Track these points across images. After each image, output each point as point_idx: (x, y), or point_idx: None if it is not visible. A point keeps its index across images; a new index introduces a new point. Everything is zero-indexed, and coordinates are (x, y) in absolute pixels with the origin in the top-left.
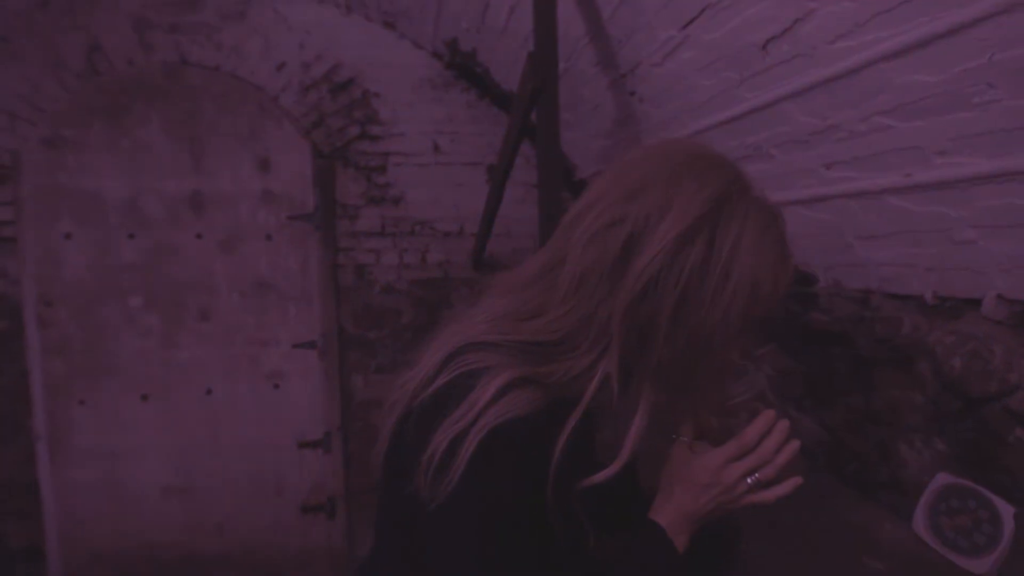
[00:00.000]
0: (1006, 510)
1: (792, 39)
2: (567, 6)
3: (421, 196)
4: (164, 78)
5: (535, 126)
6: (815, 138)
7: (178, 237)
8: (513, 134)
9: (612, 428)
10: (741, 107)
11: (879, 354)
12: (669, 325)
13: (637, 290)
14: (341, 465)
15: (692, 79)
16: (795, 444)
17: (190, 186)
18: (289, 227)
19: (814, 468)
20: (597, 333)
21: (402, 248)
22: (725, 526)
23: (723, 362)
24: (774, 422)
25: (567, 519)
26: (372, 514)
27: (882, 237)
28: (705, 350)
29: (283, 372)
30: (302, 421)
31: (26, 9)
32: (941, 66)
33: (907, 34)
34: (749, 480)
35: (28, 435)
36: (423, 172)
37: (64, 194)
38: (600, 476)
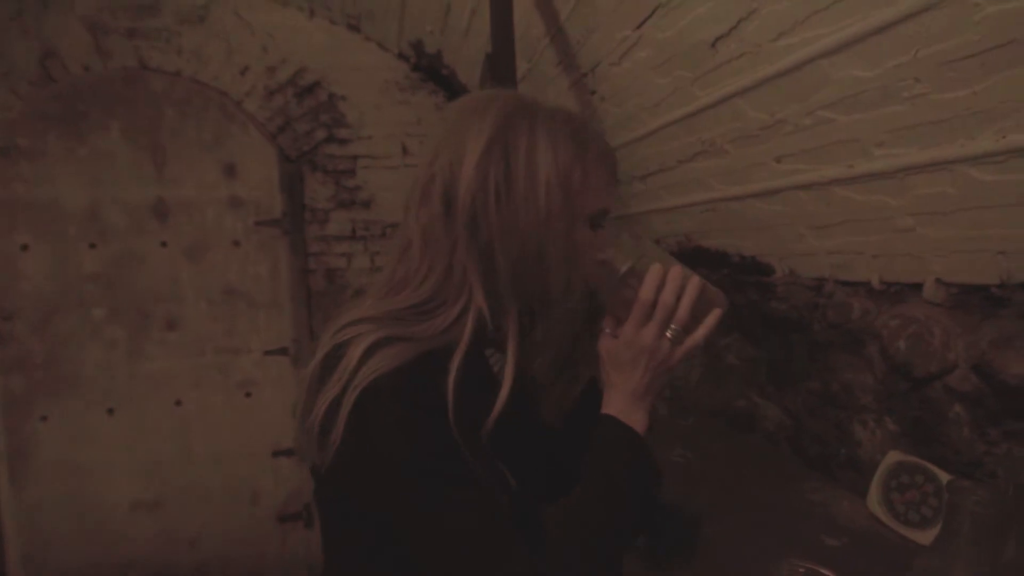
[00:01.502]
0: (945, 480)
1: (738, 38)
2: (525, 7)
3: (391, 199)
4: (123, 84)
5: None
6: (765, 132)
7: (142, 246)
8: None
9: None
10: (695, 104)
11: (833, 339)
12: (502, 242)
13: (466, 228)
14: None
15: (648, 78)
16: (694, 281)
17: (154, 193)
18: (257, 233)
19: (779, 453)
20: (457, 282)
21: (373, 251)
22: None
23: (571, 259)
24: (664, 272)
25: (488, 465)
26: None
27: (832, 226)
28: (543, 251)
29: (255, 380)
30: (276, 429)
31: None
32: (874, 61)
33: (842, 31)
34: (668, 335)
35: None
36: (393, 175)
37: (20, 205)
38: (495, 411)
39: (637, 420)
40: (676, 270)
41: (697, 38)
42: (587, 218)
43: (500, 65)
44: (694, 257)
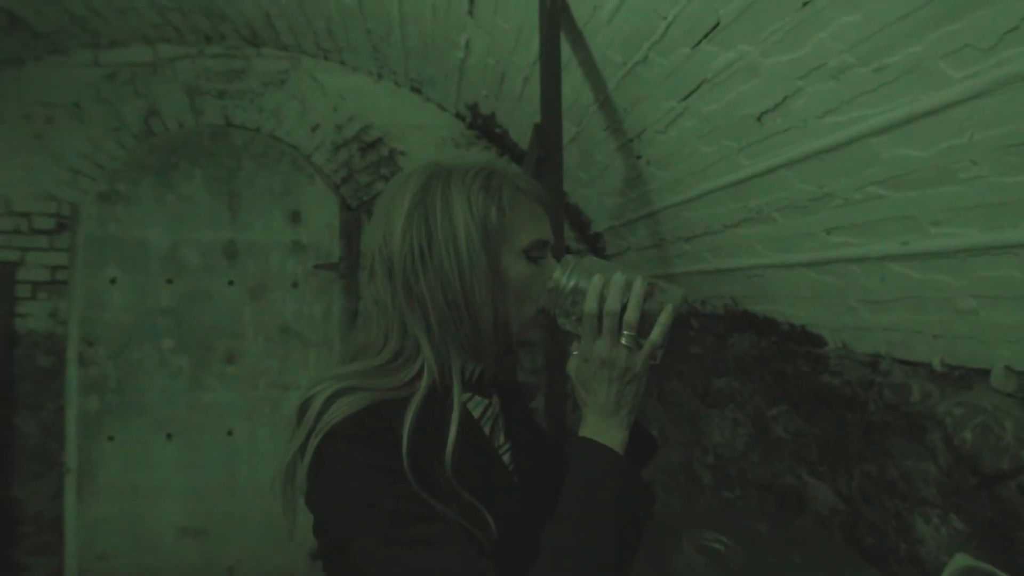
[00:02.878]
0: None
1: (784, 113)
2: (575, 77)
3: None
4: (210, 139)
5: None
6: (814, 204)
7: (211, 283)
8: None
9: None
10: (741, 173)
11: (890, 420)
12: (432, 296)
13: (404, 290)
14: None
15: (694, 145)
16: (638, 282)
17: (226, 236)
18: (315, 276)
19: (832, 540)
20: (411, 342)
21: None
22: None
23: (498, 296)
24: (601, 282)
25: (453, 504)
26: None
27: (887, 302)
28: (469, 295)
29: None
30: None
31: (95, 80)
32: (926, 142)
33: (890, 112)
34: (623, 342)
35: (60, 470)
36: None
37: (113, 243)
38: (448, 451)
39: (613, 437)
40: (616, 276)
41: (742, 112)
42: (519, 252)
43: (546, 135)
44: (742, 321)
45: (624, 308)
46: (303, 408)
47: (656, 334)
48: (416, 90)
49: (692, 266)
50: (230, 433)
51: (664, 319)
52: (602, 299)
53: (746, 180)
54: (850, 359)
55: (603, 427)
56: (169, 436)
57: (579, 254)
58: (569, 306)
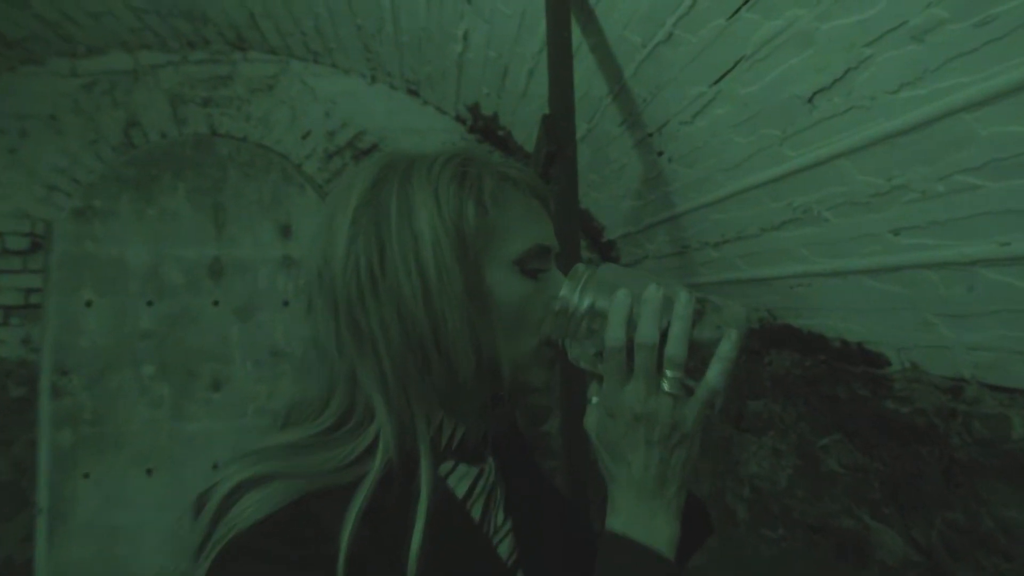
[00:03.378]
0: None
1: (845, 90)
2: (587, 66)
3: None
4: (193, 149)
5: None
6: (878, 200)
7: (196, 304)
8: None
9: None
10: (785, 166)
11: (982, 459)
12: (384, 336)
13: (349, 330)
14: None
15: (726, 136)
16: (683, 299)
17: (211, 253)
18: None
19: None
20: (361, 400)
21: None
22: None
23: (481, 323)
24: (629, 301)
25: None
26: None
27: (976, 316)
28: (438, 328)
29: None
30: None
31: (72, 90)
32: None
33: (996, 79)
34: (666, 387)
35: (31, 511)
36: None
37: (89, 262)
38: (413, 553)
39: (657, 531)
40: (650, 291)
41: (789, 92)
42: (510, 265)
43: (557, 126)
44: (781, 337)
45: (665, 337)
46: (199, 504)
47: (714, 374)
48: (413, 92)
49: (721, 275)
50: (216, 466)
51: (726, 352)
52: (631, 324)
53: (791, 174)
54: (922, 383)
55: (642, 515)
56: (149, 471)
57: (591, 263)
58: (584, 335)
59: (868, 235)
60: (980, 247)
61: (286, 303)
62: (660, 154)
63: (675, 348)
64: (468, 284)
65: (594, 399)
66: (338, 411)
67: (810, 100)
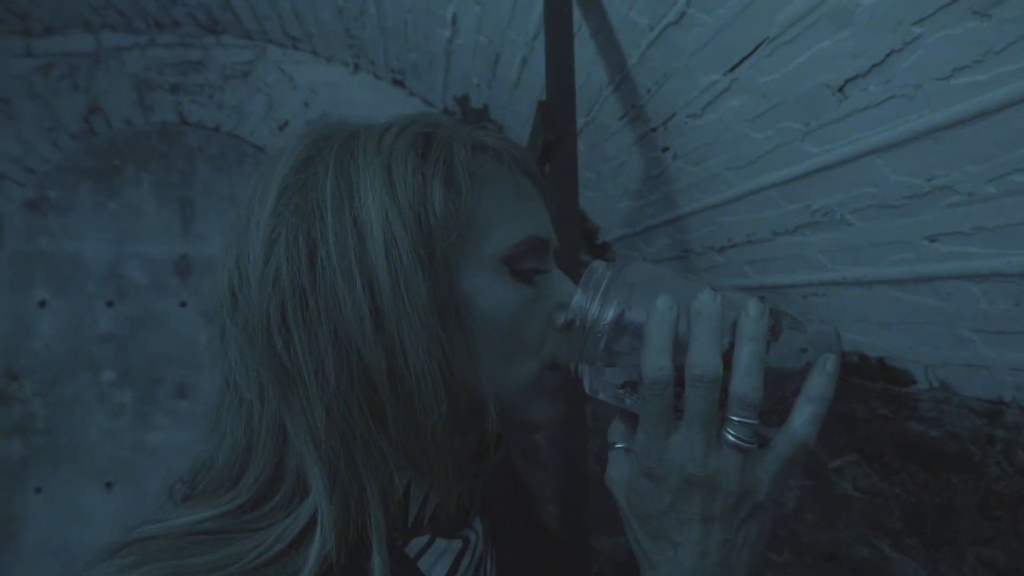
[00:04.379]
0: None
1: (884, 76)
2: (586, 53)
3: None
4: (160, 138)
5: (547, 186)
6: (914, 203)
7: (160, 305)
8: None
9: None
10: (806, 164)
11: None
12: (317, 377)
13: (271, 366)
14: None
15: (740, 130)
16: (753, 312)
17: (177, 250)
18: None
19: None
20: (291, 464)
21: None
22: None
23: (459, 355)
24: (674, 313)
25: None
26: None
27: (1021, 334)
28: (393, 358)
29: None
30: None
31: (27, 72)
32: None
33: None
34: (731, 435)
35: None
36: None
37: (43, 258)
38: None
39: None
40: (704, 300)
41: (817, 80)
42: (496, 264)
43: (556, 114)
44: None
45: (729, 365)
46: None
47: (803, 420)
48: (398, 82)
49: (726, 281)
50: (182, 480)
51: (819, 388)
52: (678, 347)
53: (813, 173)
54: (953, 404)
55: None
56: (108, 485)
57: (610, 262)
58: (606, 359)
59: (899, 241)
60: None
61: None
62: (664, 150)
63: (746, 382)
64: (436, 295)
65: (619, 444)
66: (259, 480)
67: (840, 89)
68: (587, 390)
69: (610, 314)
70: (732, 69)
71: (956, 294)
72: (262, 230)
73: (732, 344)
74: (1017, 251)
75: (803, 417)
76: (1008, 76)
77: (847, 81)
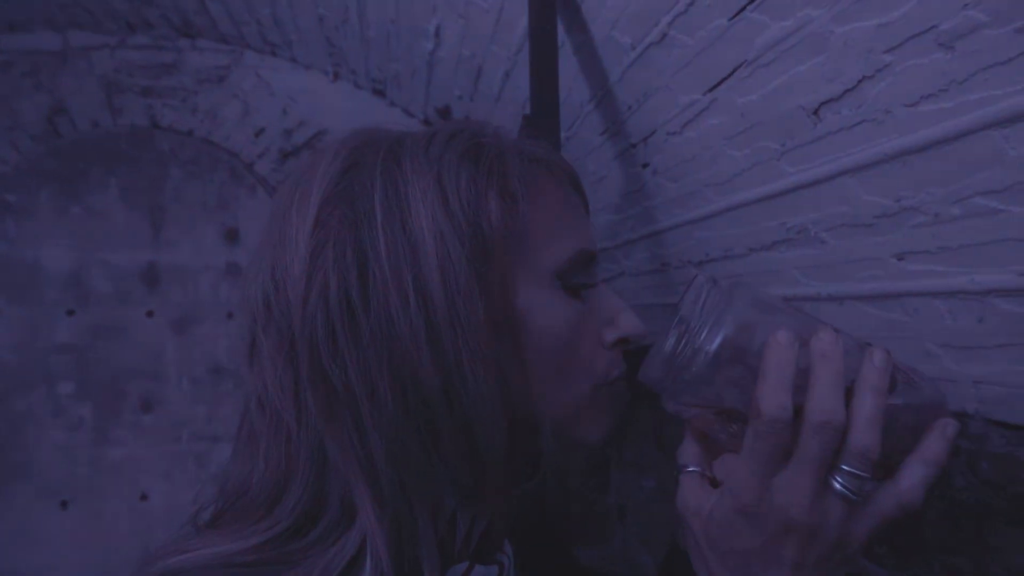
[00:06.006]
0: None
1: (857, 101)
2: (569, 68)
3: None
4: (129, 142)
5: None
6: (884, 222)
7: (125, 315)
8: None
9: None
10: (782, 183)
11: (990, 502)
12: (375, 389)
13: (315, 386)
14: None
15: (719, 149)
16: (876, 362)
17: (145, 258)
18: None
19: None
20: (334, 491)
21: None
22: None
23: (510, 362)
24: (795, 348)
25: None
26: None
27: (985, 349)
28: (450, 376)
29: None
30: None
31: None
32: None
33: None
34: (838, 484)
35: None
36: None
37: None
38: None
39: None
40: (826, 342)
41: (793, 103)
42: (551, 279)
43: (541, 124)
44: None
45: (850, 416)
46: None
47: (913, 481)
48: (379, 92)
49: None
50: (144, 497)
51: (935, 452)
52: (796, 386)
53: (788, 192)
54: None
55: None
56: (64, 504)
57: (711, 277)
58: (700, 382)
59: (869, 259)
60: (996, 276)
61: (231, 315)
62: (644, 166)
63: (866, 435)
64: (493, 311)
65: (692, 468)
66: (297, 506)
67: (815, 112)
68: (669, 410)
69: (718, 339)
70: (712, 89)
71: (923, 310)
72: (304, 242)
73: (850, 391)
74: (980, 270)
75: (914, 479)
76: (970, 105)
77: (821, 104)
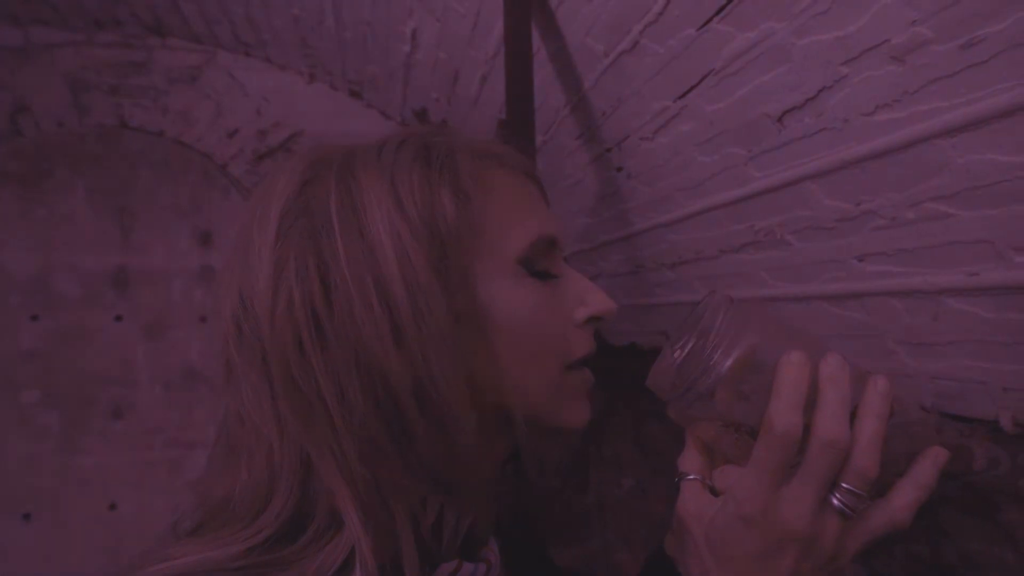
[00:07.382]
0: None
1: (817, 110)
2: (544, 75)
3: None
4: (96, 142)
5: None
6: (845, 225)
7: (94, 319)
8: None
9: None
10: (749, 187)
11: (946, 492)
12: (346, 395)
13: (288, 396)
14: None
15: (689, 154)
16: (878, 388)
17: (114, 261)
18: None
19: None
20: (319, 496)
21: None
22: None
23: (484, 364)
24: (807, 370)
25: None
26: None
27: (940, 346)
28: (419, 375)
29: None
30: None
31: None
32: (1021, 144)
33: (977, 103)
34: (836, 501)
35: None
36: None
37: None
38: None
39: None
40: (834, 367)
41: (759, 111)
42: (513, 265)
43: (516, 128)
44: None
45: (855, 438)
46: None
47: (904, 502)
48: (355, 94)
49: (676, 296)
50: (113, 507)
51: (926, 476)
52: (806, 404)
53: (755, 196)
54: None
55: None
56: (27, 516)
57: (728, 296)
58: (710, 392)
59: (832, 260)
60: (948, 276)
61: (204, 319)
62: (619, 170)
63: (867, 456)
64: (455, 305)
65: (692, 476)
66: (281, 514)
67: (780, 119)
68: (673, 417)
69: (731, 357)
70: (682, 96)
71: (881, 309)
72: (266, 256)
73: (861, 417)
74: (934, 270)
75: (905, 500)
76: (922, 115)
77: (785, 112)
